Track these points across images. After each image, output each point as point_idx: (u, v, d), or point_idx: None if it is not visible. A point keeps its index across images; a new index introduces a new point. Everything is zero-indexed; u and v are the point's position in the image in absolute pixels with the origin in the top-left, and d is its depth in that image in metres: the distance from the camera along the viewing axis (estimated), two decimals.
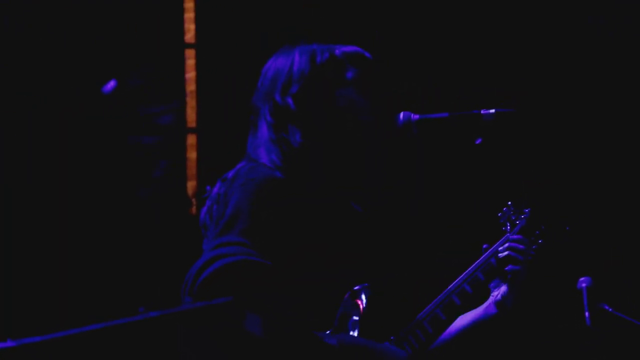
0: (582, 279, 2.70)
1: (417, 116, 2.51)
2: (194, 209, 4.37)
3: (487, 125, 2.48)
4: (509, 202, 2.65)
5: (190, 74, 4.53)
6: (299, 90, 2.49)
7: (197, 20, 4.55)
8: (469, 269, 2.57)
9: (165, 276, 3.98)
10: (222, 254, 2.17)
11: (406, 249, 3.01)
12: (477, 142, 2.48)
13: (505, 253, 2.55)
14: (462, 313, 2.57)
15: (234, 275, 2.13)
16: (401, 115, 2.51)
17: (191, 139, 4.53)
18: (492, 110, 2.49)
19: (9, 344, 1.56)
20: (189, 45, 4.55)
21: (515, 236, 2.58)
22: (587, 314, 2.61)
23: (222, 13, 4.52)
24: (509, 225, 2.63)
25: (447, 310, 2.52)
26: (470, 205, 4.29)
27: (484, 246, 2.60)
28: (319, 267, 2.39)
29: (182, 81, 4.55)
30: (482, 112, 2.49)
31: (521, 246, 2.55)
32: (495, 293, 2.58)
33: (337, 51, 2.54)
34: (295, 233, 2.35)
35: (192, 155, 4.49)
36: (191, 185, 4.47)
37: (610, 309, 2.71)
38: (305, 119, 2.48)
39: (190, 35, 4.56)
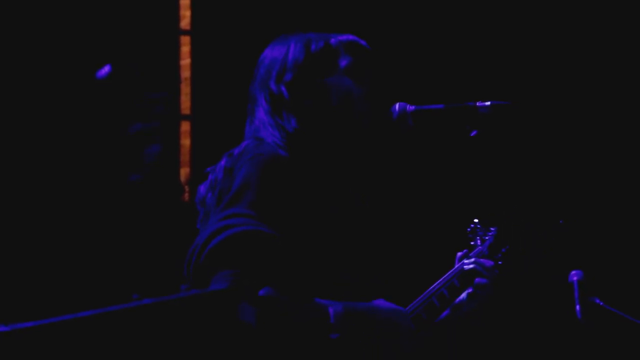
0: (573, 272, 2.70)
1: (412, 107, 2.51)
2: (187, 196, 4.40)
3: (483, 118, 2.47)
4: (476, 220, 2.69)
5: (185, 61, 4.55)
6: (293, 79, 2.51)
7: (193, 7, 4.56)
8: (447, 273, 2.60)
9: (159, 263, 4.01)
10: (230, 225, 2.18)
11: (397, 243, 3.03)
12: (473, 134, 2.48)
13: (471, 267, 2.59)
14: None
15: (241, 245, 2.15)
16: (397, 105, 2.52)
17: (185, 126, 4.55)
18: (488, 103, 2.48)
19: (2, 328, 1.56)
20: (185, 32, 4.56)
21: (477, 251, 2.65)
22: (578, 307, 2.61)
23: (217, 0, 4.53)
24: (479, 240, 2.68)
25: (429, 311, 2.56)
26: (464, 199, 4.32)
27: (459, 253, 2.65)
28: (323, 243, 2.39)
29: (177, 68, 4.57)
30: (478, 104, 2.49)
31: (488, 262, 2.60)
32: (456, 299, 2.62)
33: (332, 40, 2.56)
34: (300, 209, 2.35)
35: (185, 142, 4.51)
36: (184, 172, 4.49)
37: (602, 303, 2.71)
38: (298, 106, 2.49)
39: (185, 22, 4.57)
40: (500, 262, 2.64)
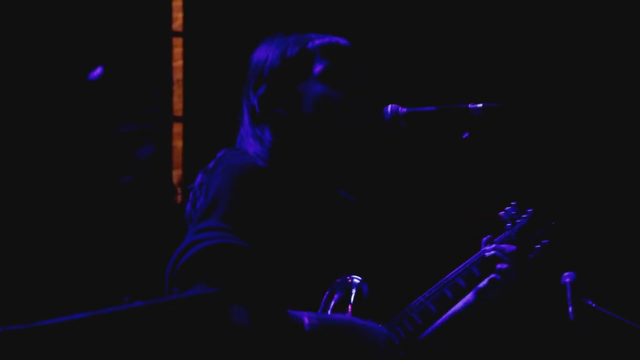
0: (565, 273, 2.70)
1: (405, 109, 2.50)
2: (179, 197, 4.41)
3: (475, 120, 2.47)
4: (513, 202, 2.67)
5: (178, 63, 4.55)
6: (266, 91, 2.52)
7: (185, 9, 4.56)
8: (464, 263, 2.59)
9: (151, 264, 3.83)
10: (201, 239, 2.19)
11: (390, 243, 3.04)
12: (464, 136, 2.47)
13: (492, 253, 2.57)
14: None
15: (212, 258, 2.16)
16: (389, 107, 2.51)
17: (177, 128, 4.55)
18: (480, 105, 2.47)
19: None
20: (177, 34, 4.56)
21: (504, 236, 2.63)
22: (570, 308, 2.61)
23: (210, 1, 4.54)
24: (510, 224, 2.65)
25: (438, 303, 2.54)
26: (457, 200, 4.30)
27: (484, 239, 2.63)
28: (295, 254, 2.41)
29: (169, 70, 4.56)
30: (470, 106, 2.48)
31: (509, 247, 2.58)
32: (480, 284, 2.59)
33: (310, 44, 2.55)
34: (274, 219, 2.36)
35: (178, 143, 4.52)
36: (177, 173, 4.50)
37: (594, 304, 2.72)
38: (272, 117, 2.51)
39: (177, 24, 4.57)
40: (537, 245, 2.62)
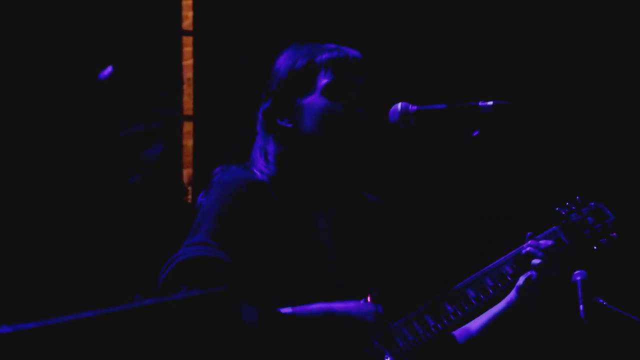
0: (576, 272, 2.70)
1: (415, 107, 2.51)
2: (189, 197, 4.41)
3: (485, 117, 2.48)
4: (577, 197, 2.68)
5: (188, 62, 4.54)
6: (272, 103, 2.56)
7: (195, 7, 4.54)
8: (498, 260, 2.61)
9: (161, 263, 3.98)
10: (181, 254, 2.30)
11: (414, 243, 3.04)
12: (475, 134, 2.48)
13: (528, 249, 2.58)
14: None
15: (192, 269, 2.26)
16: (399, 105, 2.52)
17: (187, 127, 4.52)
18: (490, 102, 2.49)
19: (4, 329, 1.56)
20: (187, 33, 4.55)
21: (549, 232, 2.64)
22: (581, 307, 2.60)
23: (220, 1, 4.52)
24: (573, 217, 2.66)
25: (480, 294, 2.57)
26: (468, 197, 4.31)
27: (528, 234, 2.63)
28: (276, 268, 2.44)
29: (179, 69, 4.55)
30: (480, 104, 2.50)
31: (546, 242, 2.59)
32: (519, 281, 2.61)
33: (318, 57, 2.57)
34: (260, 232, 2.42)
35: (188, 142, 4.50)
36: (187, 172, 4.47)
37: (605, 303, 2.71)
38: (275, 130, 2.55)
39: (188, 23, 4.55)
40: (602, 239, 2.65)
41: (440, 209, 4.38)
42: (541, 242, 2.59)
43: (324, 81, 2.54)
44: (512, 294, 2.62)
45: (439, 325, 2.53)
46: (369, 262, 2.58)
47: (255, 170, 2.53)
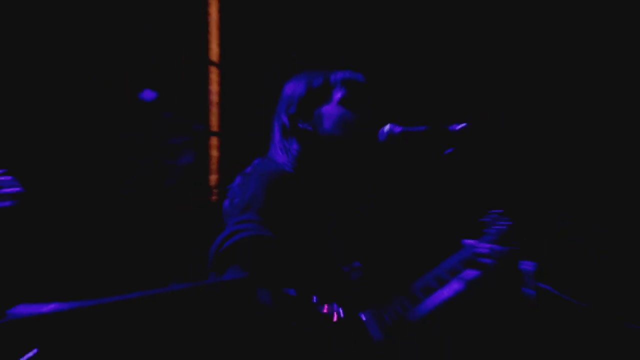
0: (524, 261, 2.65)
1: (400, 128, 2.65)
2: (214, 197, 4.56)
3: (458, 137, 2.59)
4: (501, 210, 2.78)
5: (214, 87, 4.70)
6: (295, 111, 2.74)
7: (222, 42, 4.71)
8: (450, 258, 2.75)
9: (191, 253, 4.16)
10: (240, 229, 2.40)
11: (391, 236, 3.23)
12: (447, 152, 2.59)
13: (480, 250, 2.73)
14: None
15: (248, 247, 2.38)
16: (386, 127, 2.68)
17: (213, 141, 4.70)
18: (460, 125, 2.60)
19: (52, 307, 1.57)
20: (213, 63, 4.72)
21: (488, 238, 2.77)
22: (530, 294, 2.59)
23: (243, 33, 4.70)
24: (493, 229, 2.78)
25: (427, 292, 2.71)
26: (440, 208, 4.43)
27: (463, 241, 2.78)
28: (311, 244, 2.60)
29: (207, 93, 4.69)
30: (450, 127, 2.61)
31: (497, 246, 2.73)
32: (464, 273, 2.74)
33: (332, 76, 2.77)
34: (296, 216, 2.55)
35: (214, 153, 4.68)
36: (213, 178, 4.66)
37: (552, 289, 2.82)
38: (299, 132, 2.73)
39: (214, 54, 4.73)
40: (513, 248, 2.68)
41: (419, 210, 4.48)
42: (494, 245, 2.73)
43: (339, 94, 2.72)
44: (458, 285, 2.72)
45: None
46: (360, 240, 2.77)
47: (283, 165, 2.65)
